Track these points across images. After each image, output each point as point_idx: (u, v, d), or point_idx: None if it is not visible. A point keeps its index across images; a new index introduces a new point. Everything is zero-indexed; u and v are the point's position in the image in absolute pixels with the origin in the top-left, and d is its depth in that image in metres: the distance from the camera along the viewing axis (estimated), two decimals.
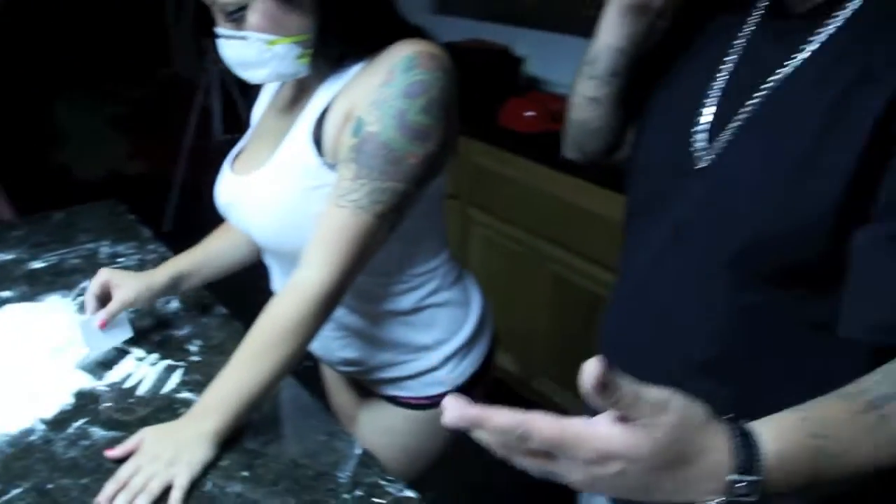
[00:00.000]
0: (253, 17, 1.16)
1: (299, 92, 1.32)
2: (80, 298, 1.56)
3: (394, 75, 1.16)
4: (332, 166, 1.22)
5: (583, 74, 1.20)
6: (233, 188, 1.33)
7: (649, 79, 1.17)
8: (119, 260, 1.76)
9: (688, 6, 1.18)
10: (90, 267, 1.71)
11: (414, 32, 1.24)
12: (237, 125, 4.94)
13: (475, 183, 3.03)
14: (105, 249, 1.81)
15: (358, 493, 1.07)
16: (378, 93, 1.16)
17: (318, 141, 1.22)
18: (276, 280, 1.44)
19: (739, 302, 0.98)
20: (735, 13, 1.09)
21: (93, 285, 1.42)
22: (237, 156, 1.40)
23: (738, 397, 0.98)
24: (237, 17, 1.17)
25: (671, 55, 1.16)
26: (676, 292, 1.04)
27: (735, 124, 1.00)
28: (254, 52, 1.18)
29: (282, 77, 1.22)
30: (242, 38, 1.18)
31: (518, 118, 3.00)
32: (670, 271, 1.05)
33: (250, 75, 1.22)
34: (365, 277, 1.26)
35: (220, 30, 1.20)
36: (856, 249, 0.88)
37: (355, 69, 1.23)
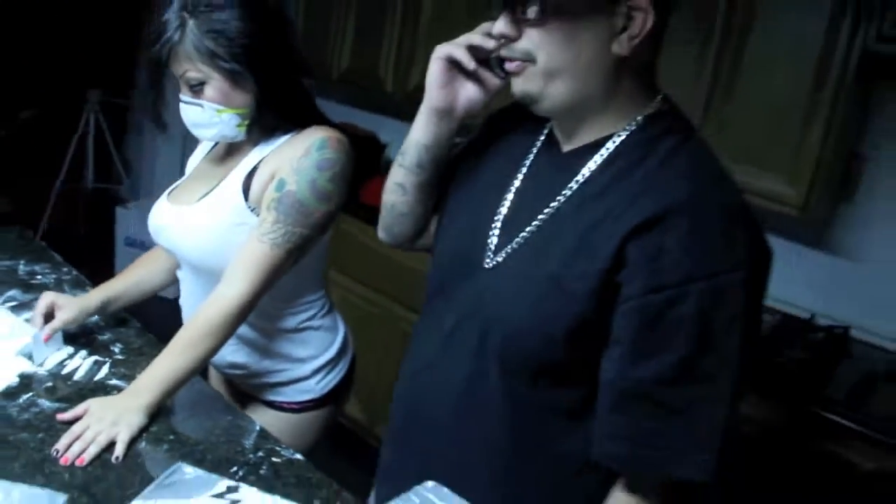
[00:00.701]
0: (209, 90, 1.54)
1: (232, 149, 1.71)
2: (8, 304, 1.84)
3: (310, 151, 1.57)
4: (254, 210, 1.60)
5: (396, 162, 1.35)
6: (168, 215, 1.68)
7: (453, 175, 1.32)
8: (38, 277, 2.03)
9: (495, 116, 1.32)
10: (12, 279, 1.97)
11: (325, 120, 1.66)
12: (110, 174, 5.13)
13: (338, 248, 3.43)
14: (23, 268, 2.08)
15: (260, 454, 1.42)
16: (298, 163, 1.57)
17: (246, 189, 1.60)
18: (186, 291, 1.78)
19: (506, 389, 1.13)
20: (529, 133, 1.23)
21: (40, 305, 1.73)
22: (173, 190, 1.76)
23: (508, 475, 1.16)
24: (197, 88, 1.54)
25: (476, 157, 1.30)
26: (459, 377, 1.19)
27: (518, 236, 1.13)
28: (206, 117, 1.56)
29: (224, 138, 1.61)
30: (199, 105, 1.56)
31: (377, 195, 3.42)
32: (454, 356, 1.19)
33: (200, 133, 1.60)
34: (266, 298, 1.63)
35: (182, 97, 1.57)
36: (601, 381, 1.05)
37: (281, 140, 1.63)
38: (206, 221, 1.62)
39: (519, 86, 1.09)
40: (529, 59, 1.06)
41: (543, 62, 1.04)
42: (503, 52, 1.10)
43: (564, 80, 1.05)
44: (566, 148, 1.15)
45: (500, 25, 1.07)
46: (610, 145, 1.09)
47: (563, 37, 1.02)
